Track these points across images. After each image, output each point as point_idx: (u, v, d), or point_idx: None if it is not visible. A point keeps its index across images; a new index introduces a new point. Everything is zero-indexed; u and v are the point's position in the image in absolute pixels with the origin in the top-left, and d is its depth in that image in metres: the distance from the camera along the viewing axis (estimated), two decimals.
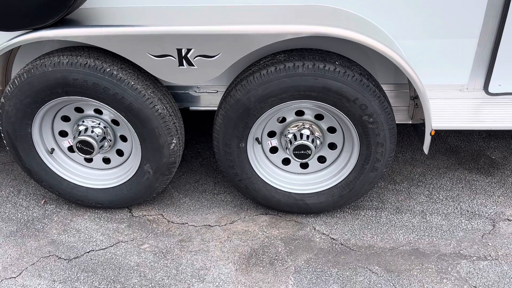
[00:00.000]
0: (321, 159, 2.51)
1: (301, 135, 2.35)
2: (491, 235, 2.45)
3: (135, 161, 2.47)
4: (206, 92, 2.59)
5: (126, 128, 2.42)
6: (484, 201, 2.68)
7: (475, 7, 2.24)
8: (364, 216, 2.60)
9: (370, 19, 2.30)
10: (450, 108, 2.46)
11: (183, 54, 2.11)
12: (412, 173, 2.93)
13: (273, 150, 2.50)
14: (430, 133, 2.26)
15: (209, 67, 2.14)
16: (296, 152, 2.34)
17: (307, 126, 2.37)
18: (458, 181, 2.84)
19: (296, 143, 2.32)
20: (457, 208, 2.64)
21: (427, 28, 2.31)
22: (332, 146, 2.47)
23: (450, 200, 2.70)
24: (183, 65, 2.15)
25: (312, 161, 2.49)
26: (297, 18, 2.22)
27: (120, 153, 2.57)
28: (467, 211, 2.62)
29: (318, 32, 2.03)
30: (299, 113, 2.38)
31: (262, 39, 2.06)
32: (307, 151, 2.33)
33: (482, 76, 2.47)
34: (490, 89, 2.47)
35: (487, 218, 2.56)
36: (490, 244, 2.40)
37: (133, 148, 2.48)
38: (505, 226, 2.50)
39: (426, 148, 2.32)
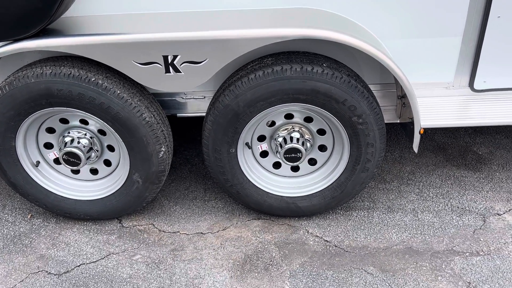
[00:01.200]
0: (312, 162, 2.50)
1: (291, 138, 2.34)
2: (482, 231, 2.47)
3: (124, 171, 2.43)
4: (193, 98, 2.56)
5: (113, 137, 2.38)
6: (473, 196, 2.71)
7: (458, 6, 2.26)
8: (356, 216, 2.60)
9: (356, 20, 2.31)
10: (437, 106, 2.49)
11: (170, 61, 2.09)
12: (402, 171, 2.95)
13: (264, 154, 2.49)
14: (419, 132, 2.28)
15: (196, 73, 2.12)
16: (287, 155, 2.33)
17: (296, 129, 2.36)
18: (447, 178, 2.87)
19: (287, 146, 2.31)
20: (447, 205, 2.66)
21: (412, 28, 2.33)
22: (322, 148, 2.46)
23: (440, 197, 2.72)
24: (170, 72, 2.12)
25: (303, 164, 2.48)
26: (284, 21, 2.21)
27: (107, 163, 2.53)
28: (458, 207, 2.64)
29: (305, 35, 2.03)
30: (289, 116, 2.38)
31: (249, 44, 2.04)
32: (298, 154, 2.32)
33: (467, 73, 2.50)
34: (476, 86, 2.50)
35: (477, 213, 2.59)
36: (482, 239, 2.42)
37: (121, 157, 2.44)
38: (495, 221, 2.53)
39: (415, 146, 2.33)
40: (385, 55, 2.08)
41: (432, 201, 2.70)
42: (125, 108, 2.20)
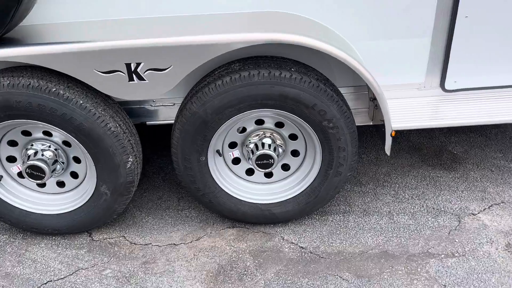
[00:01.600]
0: (285, 167, 2.46)
1: (263, 144, 2.29)
2: (457, 231, 2.46)
3: (91, 183, 2.35)
4: (163, 105, 2.49)
5: (78, 149, 2.30)
6: (448, 197, 2.70)
7: (426, 7, 2.24)
8: (332, 221, 2.57)
9: (326, 23, 2.28)
10: (409, 107, 2.47)
11: (133, 69, 2.02)
12: (377, 173, 2.93)
13: (236, 161, 2.44)
14: (391, 134, 2.25)
15: (161, 80, 2.06)
16: (259, 162, 2.28)
17: (268, 134, 2.32)
18: (423, 179, 2.86)
19: (258, 153, 2.26)
20: (423, 206, 2.64)
21: (382, 29, 2.30)
22: (295, 153, 2.42)
23: (415, 198, 2.71)
24: (134, 80, 2.05)
25: (276, 170, 2.43)
26: (251, 25, 2.16)
27: (74, 175, 2.44)
28: (433, 208, 2.63)
29: (271, 39, 1.98)
30: (260, 122, 2.33)
31: (215, 49, 1.99)
32: (270, 160, 2.28)
33: (438, 73, 2.49)
34: (447, 86, 2.49)
35: (452, 214, 2.58)
36: (457, 240, 2.41)
37: (88, 169, 2.36)
38: (470, 221, 2.52)
39: (388, 149, 2.31)
40: (353, 58, 2.05)
41: (407, 203, 2.68)
42: (89, 119, 2.12)
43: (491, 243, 2.37)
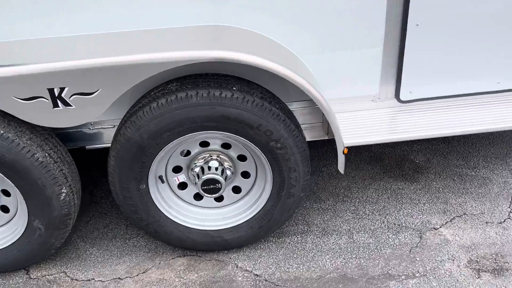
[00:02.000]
0: (236, 190, 2.30)
1: (209, 167, 2.14)
2: (419, 248, 2.36)
3: (23, 218, 2.14)
4: (102, 128, 2.31)
5: (6, 181, 2.09)
6: (410, 210, 2.60)
7: (375, 16, 2.11)
8: (289, 243, 2.42)
9: (273, 36, 2.14)
10: (364, 121, 2.35)
11: (56, 94, 1.83)
12: (338, 188, 2.81)
13: (182, 186, 2.27)
14: (343, 152, 2.13)
15: (89, 105, 1.87)
16: (205, 187, 2.12)
17: (214, 157, 2.16)
18: (384, 192, 2.75)
19: (204, 177, 2.10)
20: (383, 222, 2.54)
21: (332, 41, 2.17)
22: (245, 174, 2.27)
23: (376, 214, 2.60)
24: (59, 106, 1.87)
25: (227, 193, 2.28)
26: (188, 42, 2.00)
27: (5, 209, 2.23)
28: (394, 224, 2.52)
29: (205, 57, 1.83)
30: (205, 143, 2.18)
31: (145, 70, 1.82)
32: (217, 185, 2.12)
33: (392, 84, 2.38)
34: (402, 97, 2.39)
35: (414, 229, 2.47)
36: (418, 258, 2.30)
37: (18, 203, 2.15)
38: (432, 237, 2.42)
39: (341, 167, 2.19)
40: (297, 75, 1.91)
41: (368, 219, 2.57)
42: (12, 150, 1.92)
43: (453, 260, 2.27)
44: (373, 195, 2.73)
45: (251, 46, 1.98)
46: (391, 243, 2.39)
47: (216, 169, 2.12)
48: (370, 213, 2.60)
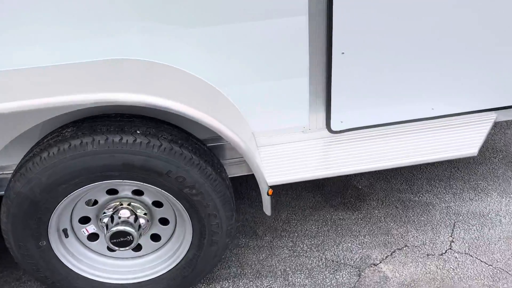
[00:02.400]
0: (155, 238, 2.10)
1: (119, 217, 1.92)
2: None
3: None
4: (3, 173, 2.07)
5: None
6: (350, 244, 2.46)
7: (298, 45, 1.95)
8: None
9: (187, 68, 1.95)
10: (294, 154, 2.19)
11: None
12: (276, 221, 2.64)
13: (93, 237, 2.05)
14: (268, 193, 1.97)
15: None
16: (115, 240, 1.91)
17: (125, 205, 1.95)
18: (324, 223, 2.60)
19: (112, 229, 1.89)
20: (321, 260, 2.38)
21: (256, 72, 2.00)
22: (164, 221, 2.06)
23: (314, 249, 2.44)
24: None
25: (145, 241, 2.07)
26: (81, 80, 1.77)
27: None
28: (332, 261, 2.37)
29: (88, 102, 1.60)
30: (114, 190, 1.97)
31: (24, 119, 1.60)
32: (128, 237, 1.91)
33: (322, 114, 2.22)
34: (333, 127, 2.24)
35: (352, 266, 2.33)
36: None
37: None
38: (371, 274, 2.28)
39: (267, 209, 2.02)
40: (204, 113, 1.72)
41: (305, 256, 2.40)
42: None
43: None
44: (313, 227, 2.58)
45: (153, 81, 1.79)
46: (328, 283, 2.24)
47: (127, 219, 1.92)
48: (308, 249, 2.44)
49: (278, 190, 2.83)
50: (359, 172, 2.11)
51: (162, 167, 1.74)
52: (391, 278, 2.24)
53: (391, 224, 2.56)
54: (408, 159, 2.14)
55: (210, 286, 2.25)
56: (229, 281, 2.27)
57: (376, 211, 2.66)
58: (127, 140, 1.69)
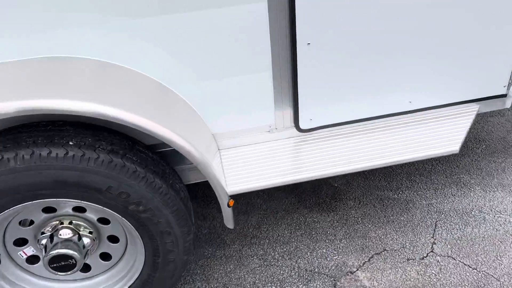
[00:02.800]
0: (106, 257, 1.88)
1: (59, 238, 1.69)
2: None
3: None
4: None
5: None
6: (324, 250, 2.27)
7: (257, 36, 1.72)
8: None
9: (134, 65, 1.71)
10: (260, 157, 1.98)
11: None
12: (246, 226, 2.44)
13: (34, 259, 1.82)
14: (228, 205, 1.76)
15: None
16: (54, 265, 1.69)
17: (66, 223, 1.72)
18: (297, 227, 2.41)
19: (51, 253, 1.65)
20: (294, 269, 2.19)
21: (212, 67, 1.77)
22: (114, 238, 1.85)
23: (286, 258, 2.25)
24: None
25: (94, 261, 1.85)
26: (8, 84, 1.50)
27: None
28: (306, 270, 2.18)
29: (19, 110, 1.37)
30: (51, 208, 1.74)
31: None
32: (70, 260, 1.69)
33: (289, 111, 2.00)
34: (301, 125, 2.03)
35: (327, 275, 2.15)
36: None
37: None
38: (347, 284, 2.11)
39: (229, 222, 1.81)
40: (149, 120, 1.48)
41: (277, 266, 2.21)
42: None
43: None
44: (285, 232, 2.39)
45: (89, 83, 1.55)
46: None
47: (68, 240, 1.69)
48: (280, 257, 2.25)
49: (249, 195, 2.63)
50: (332, 175, 1.91)
51: (100, 183, 1.50)
52: (369, 287, 2.08)
53: (369, 226, 2.38)
54: (385, 159, 1.93)
55: None
56: None
57: (353, 211, 2.48)
58: (57, 154, 1.45)
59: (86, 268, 1.86)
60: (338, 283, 2.09)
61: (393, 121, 2.06)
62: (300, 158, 1.98)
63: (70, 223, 1.70)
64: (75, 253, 1.65)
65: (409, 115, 2.10)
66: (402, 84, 2.02)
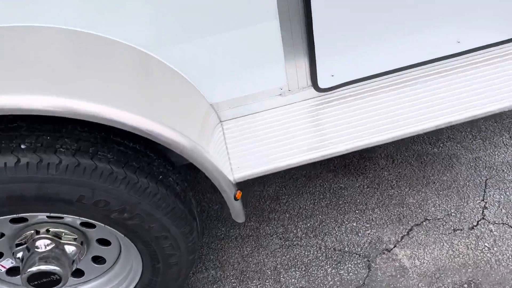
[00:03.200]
0: (98, 260, 1.60)
1: (36, 252, 1.42)
2: (367, 287, 1.77)
3: None
4: None
5: None
6: (355, 224, 1.96)
7: None
8: None
9: (100, 30, 1.31)
10: (270, 129, 1.60)
11: None
12: (262, 199, 2.07)
13: (13, 271, 1.57)
14: (235, 198, 1.43)
15: None
16: (35, 282, 1.43)
17: (43, 231, 1.43)
18: (322, 196, 2.06)
19: (29, 270, 1.38)
20: (320, 249, 1.90)
21: (202, 22, 1.36)
22: (105, 241, 1.56)
23: (311, 235, 1.95)
24: None
25: (86, 265, 1.59)
26: None
27: None
28: (334, 249, 1.89)
29: None
30: (21, 218, 1.42)
31: None
32: (53, 276, 1.43)
33: (304, 68, 1.59)
34: (321, 84, 1.61)
35: (359, 255, 1.86)
36: None
37: None
38: (383, 264, 1.82)
39: (238, 216, 1.50)
40: (121, 110, 1.11)
41: (300, 246, 1.91)
42: None
43: None
44: (308, 203, 2.08)
45: (41, 61, 1.17)
46: (330, 282, 1.79)
47: (47, 252, 1.40)
48: (304, 235, 1.95)
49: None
50: (368, 146, 1.55)
51: (69, 193, 1.17)
52: (410, 268, 1.78)
53: (406, 190, 2.04)
54: (433, 122, 1.53)
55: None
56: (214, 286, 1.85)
57: (385, 172, 2.13)
58: (5, 164, 1.12)
59: (79, 273, 1.62)
60: (373, 264, 1.81)
61: (439, 67, 1.63)
62: (320, 127, 1.59)
63: (48, 231, 1.42)
64: (57, 268, 1.37)
65: (456, 58, 1.66)
66: (448, 20, 1.57)
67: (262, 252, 1.92)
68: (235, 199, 1.38)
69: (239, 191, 1.38)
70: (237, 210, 1.43)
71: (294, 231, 1.96)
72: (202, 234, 1.74)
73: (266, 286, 1.79)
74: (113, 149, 1.25)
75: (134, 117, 1.12)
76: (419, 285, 1.70)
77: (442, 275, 1.73)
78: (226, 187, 1.36)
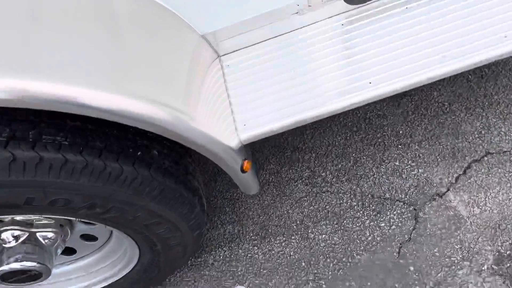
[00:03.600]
0: (89, 237, 1.36)
1: (5, 247, 1.16)
2: (412, 244, 1.44)
3: None
4: None
5: None
6: (397, 162, 1.58)
7: None
8: (208, 274, 1.57)
9: None
10: (288, 64, 1.19)
11: None
12: (283, 135, 1.77)
13: None
14: (242, 170, 1.07)
15: None
16: (12, 279, 1.19)
17: (8, 221, 1.15)
18: (354, 129, 1.67)
19: (1, 270, 1.16)
20: (355, 196, 1.54)
21: None
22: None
23: (343, 179, 1.59)
24: None
25: (76, 243, 1.32)
26: None
27: None
28: (372, 196, 1.54)
29: None
30: None
31: None
32: (29, 272, 1.18)
33: None
34: None
35: (404, 203, 1.50)
36: (411, 269, 1.40)
37: None
38: (434, 213, 1.45)
39: (250, 189, 1.15)
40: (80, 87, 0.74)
41: (330, 193, 1.56)
42: None
43: (470, 263, 1.39)
44: (338, 139, 1.69)
45: None
46: (369, 239, 1.51)
47: (18, 246, 1.16)
48: (334, 179, 1.61)
49: None
50: (417, 86, 1.13)
51: (11, 197, 0.85)
52: (467, 217, 1.46)
53: (461, 115, 1.64)
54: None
55: (199, 259, 1.61)
56: (224, 249, 1.60)
57: (435, 92, 1.70)
58: None
59: (70, 251, 1.39)
60: (421, 214, 1.50)
61: None
62: (357, 57, 1.16)
63: (13, 221, 1.16)
64: (32, 263, 1.14)
65: None
66: None
67: (286, 202, 1.63)
68: (243, 171, 1.04)
69: (246, 160, 1.03)
70: (246, 183, 1.10)
71: (323, 174, 1.64)
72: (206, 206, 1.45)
73: (292, 244, 1.54)
74: (64, 128, 0.90)
75: (71, 89, 0.75)
76: (479, 239, 1.40)
77: (509, 225, 1.41)
78: (229, 159, 1.01)
